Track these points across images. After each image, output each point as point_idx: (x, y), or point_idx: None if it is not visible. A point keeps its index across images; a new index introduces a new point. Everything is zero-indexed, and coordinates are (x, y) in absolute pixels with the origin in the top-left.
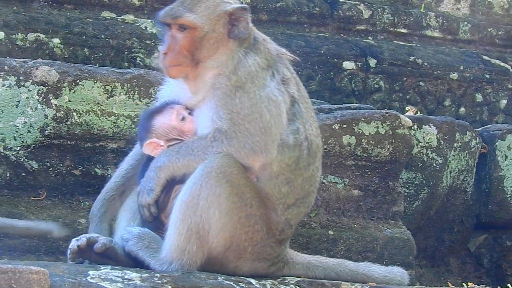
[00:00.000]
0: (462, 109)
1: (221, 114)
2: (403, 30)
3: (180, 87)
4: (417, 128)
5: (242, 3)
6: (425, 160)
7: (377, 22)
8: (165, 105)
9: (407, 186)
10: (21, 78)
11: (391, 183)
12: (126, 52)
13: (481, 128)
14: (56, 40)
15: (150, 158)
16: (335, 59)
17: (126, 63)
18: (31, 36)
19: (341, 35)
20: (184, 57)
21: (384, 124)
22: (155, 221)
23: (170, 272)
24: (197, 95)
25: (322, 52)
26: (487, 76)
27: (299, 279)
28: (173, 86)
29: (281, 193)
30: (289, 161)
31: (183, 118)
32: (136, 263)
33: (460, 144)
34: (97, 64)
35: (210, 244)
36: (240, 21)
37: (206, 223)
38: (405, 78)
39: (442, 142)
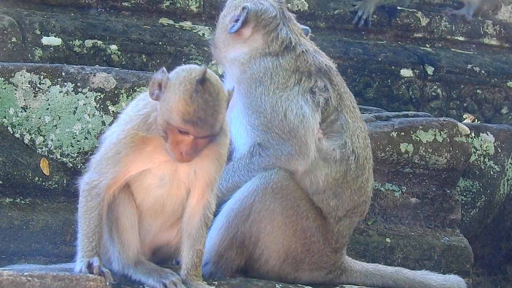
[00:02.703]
0: None
1: (252, 121)
2: (461, 38)
3: None
4: (474, 136)
5: (300, 10)
6: (483, 168)
7: (435, 30)
8: None
9: (465, 194)
10: (78, 84)
11: (448, 191)
12: (183, 59)
13: None
14: (114, 47)
15: None
16: (393, 67)
17: None
18: (89, 42)
19: (399, 42)
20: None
21: (441, 132)
22: None
23: (228, 280)
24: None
25: (380, 59)
26: None
27: (357, 287)
28: None
29: (330, 207)
30: (337, 176)
31: None
32: None
33: None
34: (154, 71)
35: (254, 255)
36: (239, 19)
37: (254, 235)
38: (462, 86)
39: (500, 150)
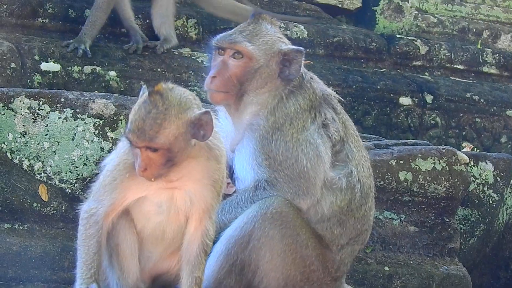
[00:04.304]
0: None
1: (259, 161)
2: (460, 66)
3: (227, 130)
4: (473, 165)
5: (299, 37)
6: (482, 197)
7: (434, 58)
8: None
9: (463, 223)
10: (77, 110)
11: (447, 220)
12: (182, 86)
13: None
14: (113, 73)
15: None
16: (392, 95)
17: None
18: (87, 68)
19: (398, 70)
20: (232, 85)
21: (441, 161)
22: None
23: None
24: (237, 135)
25: (379, 87)
26: None
27: None
28: (222, 129)
29: (333, 235)
30: (342, 204)
31: None
32: None
33: None
34: None
35: (253, 282)
36: (293, 63)
37: (254, 262)
38: (461, 115)
39: (499, 179)
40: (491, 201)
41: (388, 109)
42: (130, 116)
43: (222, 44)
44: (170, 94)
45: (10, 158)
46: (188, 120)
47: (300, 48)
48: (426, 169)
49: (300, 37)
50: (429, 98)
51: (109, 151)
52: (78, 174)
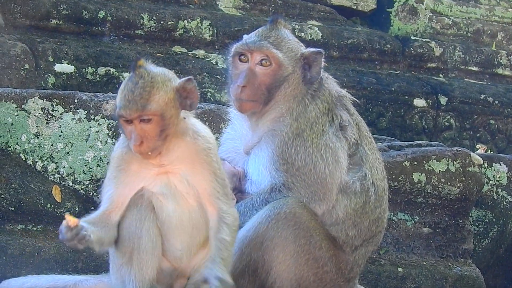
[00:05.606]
0: None
1: (277, 165)
2: (474, 68)
3: (241, 131)
4: (487, 166)
5: (313, 39)
6: (495, 198)
7: (448, 60)
8: None
9: (477, 224)
10: (91, 112)
11: (461, 221)
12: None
13: None
14: (127, 74)
15: None
16: (406, 97)
17: None
18: (101, 70)
19: (412, 72)
20: (261, 94)
21: (454, 162)
22: None
23: None
24: (253, 138)
25: (393, 89)
26: None
27: None
28: (236, 130)
29: (347, 237)
30: (356, 206)
31: None
32: None
33: None
34: None
35: (266, 283)
36: (313, 66)
37: (267, 263)
38: (475, 116)
39: None
40: (504, 203)
41: (402, 111)
42: (118, 95)
43: (252, 49)
44: (152, 66)
45: (24, 159)
46: (174, 87)
47: (320, 50)
48: (440, 170)
49: (315, 39)
50: (443, 100)
51: None
52: (92, 175)
